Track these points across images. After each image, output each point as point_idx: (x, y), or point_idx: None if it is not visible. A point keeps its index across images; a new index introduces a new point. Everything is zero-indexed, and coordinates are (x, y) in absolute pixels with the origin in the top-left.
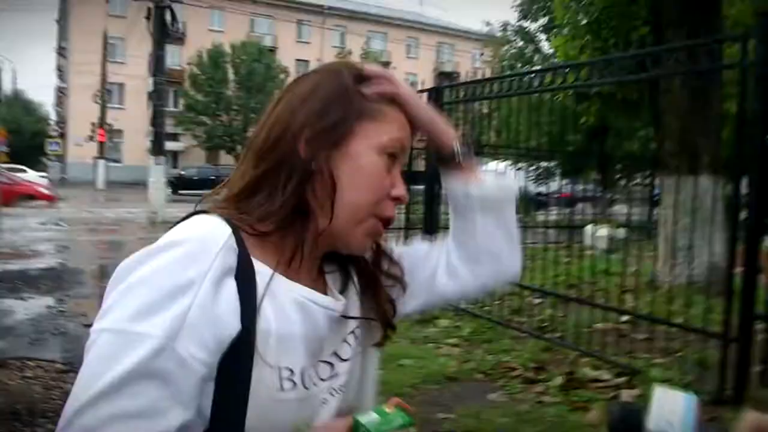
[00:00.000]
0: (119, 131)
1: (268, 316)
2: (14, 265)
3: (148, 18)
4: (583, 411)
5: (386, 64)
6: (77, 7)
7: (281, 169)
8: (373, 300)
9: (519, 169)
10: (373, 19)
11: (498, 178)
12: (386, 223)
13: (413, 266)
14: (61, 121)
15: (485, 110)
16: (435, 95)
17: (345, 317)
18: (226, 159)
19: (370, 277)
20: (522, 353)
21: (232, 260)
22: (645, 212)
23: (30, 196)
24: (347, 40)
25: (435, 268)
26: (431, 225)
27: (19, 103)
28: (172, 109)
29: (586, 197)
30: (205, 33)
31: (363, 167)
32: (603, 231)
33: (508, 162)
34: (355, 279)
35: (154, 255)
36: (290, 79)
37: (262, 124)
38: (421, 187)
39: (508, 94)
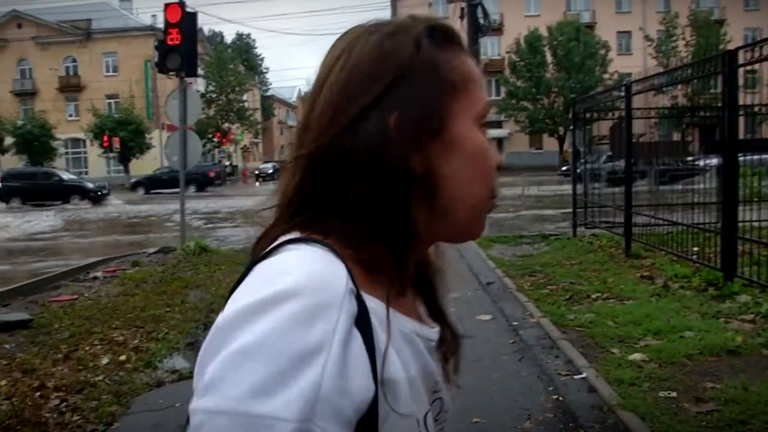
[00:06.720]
0: None
1: (394, 362)
2: None
3: (462, 18)
4: None
5: (720, 23)
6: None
7: (374, 184)
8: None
9: None
10: None
11: None
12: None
13: None
14: None
15: None
16: (728, 59)
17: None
18: (549, 142)
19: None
20: None
21: (354, 306)
22: None
23: None
24: (672, 3)
25: None
26: (731, 199)
27: None
28: (494, 97)
29: None
30: (522, 20)
31: (472, 153)
32: None
33: None
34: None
35: (263, 312)
36: (611, 55)
37: (315, 119)
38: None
39: None
